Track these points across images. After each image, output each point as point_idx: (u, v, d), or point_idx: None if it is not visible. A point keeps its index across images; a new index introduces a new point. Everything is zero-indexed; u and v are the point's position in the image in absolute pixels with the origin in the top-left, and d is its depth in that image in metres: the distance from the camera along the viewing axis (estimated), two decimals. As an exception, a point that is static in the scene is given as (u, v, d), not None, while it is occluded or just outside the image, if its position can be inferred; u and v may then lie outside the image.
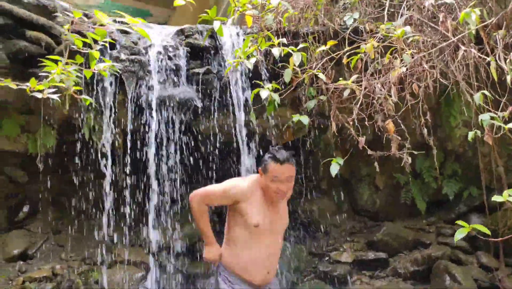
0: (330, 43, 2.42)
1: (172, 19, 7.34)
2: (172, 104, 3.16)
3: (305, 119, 2.35)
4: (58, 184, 3.50)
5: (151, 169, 3.15)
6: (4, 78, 2.33)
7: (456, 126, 3.46)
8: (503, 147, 3.46)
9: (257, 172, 2.09)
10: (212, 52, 3.28)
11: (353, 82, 2.44)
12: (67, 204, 3.58)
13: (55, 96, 1.49)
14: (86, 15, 3.12)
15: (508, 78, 2.10)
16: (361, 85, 2.53)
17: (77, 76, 1.62)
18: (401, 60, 2.30)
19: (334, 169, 2.38)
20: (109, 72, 2.00)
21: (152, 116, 3.12)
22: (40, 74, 1.59)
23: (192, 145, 3.41)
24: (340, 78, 2.60)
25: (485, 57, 2.28)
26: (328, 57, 2.69)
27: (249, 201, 2.04)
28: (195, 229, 3.16)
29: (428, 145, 2.96)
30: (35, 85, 1.43)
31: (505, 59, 2.29)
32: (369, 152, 2.55)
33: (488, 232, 1.73)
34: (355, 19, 2.71)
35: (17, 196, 3.52)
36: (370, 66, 2.63)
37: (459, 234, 1.75)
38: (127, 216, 3.31)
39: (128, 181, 3.22)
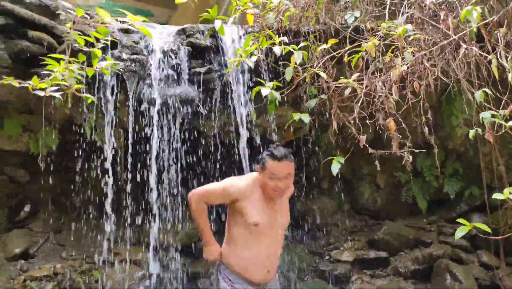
0: (331, 41, 2.42)
1: (172, 19, 7.34)
2: (173, 104, 3.16)
3: (306, 118, 2.35)
4: (59, 184, 3.51)
5: (152, 168, 3.15)
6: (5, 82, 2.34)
7: (457, 125, 3.46)
8: (504, 146, 3.46)
9: (257, 170, 2.09)
10: (213, 51, 3.29)
11: (354, 80, 2.44)
12: (68, 204, 3.59)
13: (57, 94, 1.50)
14: (87, 15, 3.13)
15: (509, 76, 2.10)
16: (362, 83, 2.53)
17: (79, 74, 1.63)
18: (402, 58, 2.30)
19: (335, 168, 2.38)
20: (111, 71, 2.01)
21: (153, 116, 3.12)
22: (42, 72, 1.60)
23: (193, 144, 3.42)
24: (341, 77, 2.60)
25: (486, 55, 2.28)
26: (329, 55, 2.69)
27: (249, 199, 2.03)
28: (195, 228, 3.16)
29: (429, 143, 2.96)
30: (37, 83, 1.44)
31: (506, 57, 2.29)
32: (370, 150, 2.55)
33: (488, 229, 1.73)
34: (356, 18, 2.71)
35: (18, 195, 3.53)
36: (371, 64, 2.63)
37: (460, 232, 1.76)
38: (128, 215, 3.32)
39: (129, 180, 3.22)
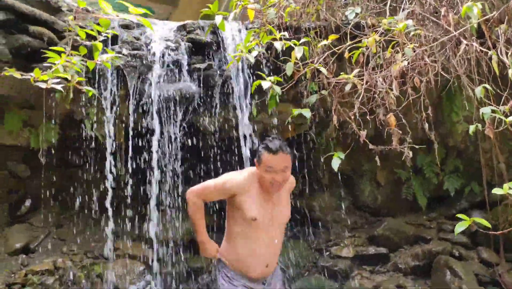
0: (332, 37, 2.42)
1: (173, 17, 7.34)
2: (173, 99, 3.16)
3: (307, 113, 2.35)
4: (59, 179, 3.52)
5: (153, 163, 3.16)
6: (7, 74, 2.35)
7: (458, 122, 3.46)
8: (504, 143, 3.47)
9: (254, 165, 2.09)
10: (214, 47, 3.29)
11: (354, 76, 2.45)
12: (68, 199, 3.60)
13: (58, 87, 1.50)
14: (87, 11, 3.14)
15: (510, 72, 2.11)
16: (362, 79, 2.53)
17: (80, 67, 1.63)
18: (403, 54, 2.31)
19: (336, 163, 2.38)
20: (111, 66, 2.01)
21: (153, 112, 3.13)
22: (43, 66, 1.61)
23: (193, 139, 3.42)
24: (342, 73, 2.60)
25: (487, 50, 2.28)
26: (330, 51, 2.69)
27: (247, 194, 2.02)
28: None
29: (429, 140, 2.96)
30: (39, 75, 1.44)
31: (506, 54, 2.29)
32: (370, 146, 2.55)
33: (488, 224, 1.74)
34: (356, 14, 2.71)
35: (19, 190, 3.54)
36: (371, 60, 2.63)
37: (460, 227, 1.76)
38: (129, 210, 3.33)
39: (130, 175, 3.23)
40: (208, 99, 3.29)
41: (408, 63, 2.41)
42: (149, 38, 3.23)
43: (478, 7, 2.08)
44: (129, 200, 3.28)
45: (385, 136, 2.76)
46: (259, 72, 2.62)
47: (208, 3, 2.39)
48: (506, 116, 1.94)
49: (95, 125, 3.16)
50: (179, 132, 3.23)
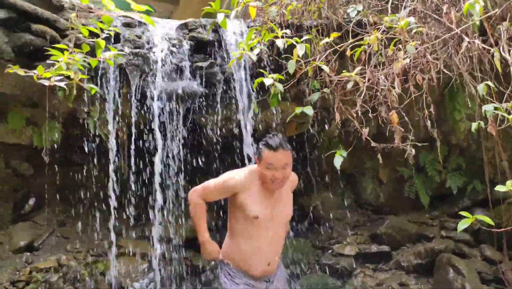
0: (334, 35, 2.42)
1: (174, 15, 7.36)
2: (176, 98, 3.17)
3: (309, 111, 2.36)
4: (63, 177, 3.54)
5: (155, 161, 3.17)
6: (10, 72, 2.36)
7: (460, 120, 3.46)
8: (507, 141, 3.45)
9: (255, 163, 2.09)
10: (215, 46, 3.29)
11: (356, 74, 2.45)
12: (72, 197, 3.62)
13: (62, 84, 1.51)
14: (90, 9, 3.15)
15: (512, 69, 2.10)
16: (364, 77, 2.53)
17: (82, 65, 1.64)
18: (405, 51, 2.30)
19: (338, 161, 2.39)
20: (113, 61, 2.02)
21: (155, 110, 3.13)
22: (47, 62, 1.62)
23: (196, 138, 3.43)
24: (344, 71, 2.60)
25: (489, 48, 2.28)
26: (332, 49, 2.69)
27: (248, 192, 2.03)
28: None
29: (432, 138, 2.96)
30: (42, 72, 1.45)
31: (509, 51, 2.28)
32: (373, 143, 2.56)
33: (491, 222, 1.74)
34: (358, 12, 2.71)
35: (22, 188, 3.56)
36: (373, 58, 2.63)
37: (462, 225, 1.76)
38: (132, 209, 3.34)
39: (133, 174, 3.24)
40: (210, 98, 3.30)
41: (410, 60, 2.40)
42: (151, 36, 3.23)
43: (480, 4, 2.08)
44: (132, 198, 3.30)
45: (387, 134, 2.76)
46: (261, 70, 2.63)
47: (209, 1, 2.39)
48: (509, 113, 1.94)
49: (98, 124, 3.17)
50: (182, 130, 3.24)
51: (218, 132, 3.39)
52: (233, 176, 2.10)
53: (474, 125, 2.08)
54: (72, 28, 2.56)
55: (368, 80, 2.54)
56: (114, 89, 3.06)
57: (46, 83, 1.51)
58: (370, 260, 3.58)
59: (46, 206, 3.61)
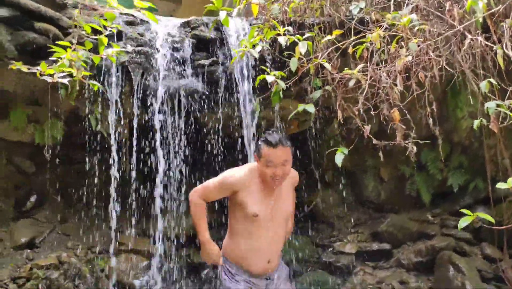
0: (336, 32, 2.42)
1: (176, 14, 7.34)
2: (178, 96, 3.17)
3: (311, 108, 2.36)
4: (64, 175, 3.55)
5: (157, 159, 3.17)
6: (12, 70, 2.36)
7: (462, 118, 3.45)
8: (509, 139, 3.44)
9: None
10: (218, 44, 3.29)
11: (358, 71, 2.45)
12: (73, 194, 3.63)
13: (64, 81, 1.52)
14: (93, 7, 3.15)
15: (515, 67, 2.10)
16: (366, 74, 2.53)
17: (85, 62, 1.64)
18: (407, 49, 2.30)
19: (339, 158, 2.39)
20: (116, 59, 2.01)
21: (157, 108, 3.14)
22: (50, 59, 1.62)
23: (197, 136, 3.44)
24: (346, 68, 2.60)
25: (492, 45, 2.28)
26: (334, 47, 2.69)
27: (248, 190, 2.03)
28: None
29: (434, 136, 2.96)
30: (45, 69, 1.46)
31: (512, 48, 2.28)
32: (374, 141, 2.56)
33: (491, 219, 1.74)
34: (361, 9, 2.70)
35: (24, 186, 3.57)
36: (375, 55, 2.63)
37: (463, 222, 1.77)
38: (133, 206, 3.35)
39: (134, 171, 3.25)
40: (212, 96, 3.30)
41: (413, 58, 2.40)
42: (154, 34, 3.23)
43: (483, 1, 2.08)
44: (133, 195, 3.30)
45: (389, 132, 2.76)
46: (263, 67, 2.62)
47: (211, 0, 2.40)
48: (511, 111, 1.94)
49: (99, 121, 3.17)
50: (183, 128, 3.25)
51: (220, 130, 3.39)
52: (232, 174, 2.10)
53: (476, 123, 2.09)
54: (75, 26, 2.56)
55: (370, 77, 2.53)
56: (116, 87, 3.07)
57: (49, 79, 1.52)
58: (370, 258, 3.58)
59: (47, 203, 3.63)
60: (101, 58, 1.76)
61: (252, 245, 2.07)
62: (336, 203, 3.96)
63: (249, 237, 2.07)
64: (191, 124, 3.35)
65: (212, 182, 2.13)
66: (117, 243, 3.32)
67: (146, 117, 3.19)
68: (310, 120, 3.42)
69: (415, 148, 2.51)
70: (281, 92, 2.45)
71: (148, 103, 3.15)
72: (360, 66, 2.47)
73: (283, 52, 2.84)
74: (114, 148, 3.12)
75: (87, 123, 3.16)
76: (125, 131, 3.27)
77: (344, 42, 2.64)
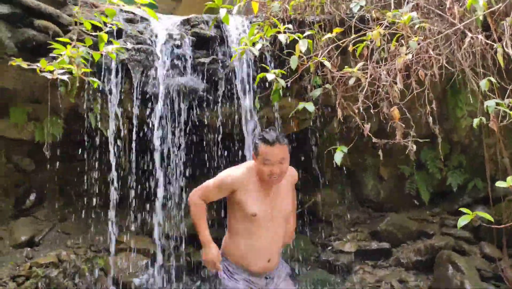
0: (336, 30, 2.42)
1: (176, 12, 7.34)
2: (177, 94, 3.17)
3: (311, 107, 2.36)
4: (64, 173, 3.54)
5: (157, 157, 3.17)
6: (12, 67, 2.35)
7: (462, 117, 3.45)
8: (509, 138, 3.45)
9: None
10: (218, 41, 3.29)
11: (358, 70, 2.44)
12: (73, 193, 3.63)
13: (64, 77, 1.51)
14: (93, 4, 3.15)
15: (515, 65, 2.10)
16: (366, 73, 2.53)
17: (85, 59, 1.64)
18: (407, 47, 2.30)
19: (338, 157, 2.39)
20: (117, 57, 2.01)
21: (157, 106, 3.13)
22: (50, 55, 1.62)
23: (197, 134, 3.43)
24: (346, 67, 2.60)
25: (492, 43, 2.27)
26: (334, 45, 2.69)
27: (245, 189, 2.02)
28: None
29: (433, 135, 2.95)
30: (45, 65, 1.45)
31: (512, 47, 2.28)
32: (374, 139, 2.56)
33: (491, 218, 1.74)
34: (361, 7, 2.70)
35: (24, 184, 3.57)
36: (375, 52, 2.62)
37: (463, 221, 1.77)
38: (133, 204, 3.35)
39: (134, 170, 3.24)
40: (212, 94, 3.29)
41: (413, 56, 2.40)
42: (154, 32, 3.23)
43: (484, -1, 2.08)
44: (132, 194, 3.30)
45: (389, 130, 2.76)
46: (263, 65, 2.62)
47: (211, -1, 2.39)
48: (511, 109, 1.94)
49: (99, 119, 3.17)
50: (183, 126, 3.24)
51: (219, 128, 3.39)
52: (230, 174, 2.09)
53: (475, 121, 2.09)
54: (76, 23, 2.56)
55: (370, 76, 2.53)
56: (116, 85, 3.06)
57: (49, 76, 1.51)
58: (370, 257, 3.58)
59: (47, 201, 3.62)
60: (101, 55, 1.76)
61: (252, 244, 2.07)
62: (336, 202, 3.96)
63: (248, 236, 2.07)
64: (191, 122, 3.35)
65: (211, 182, 2.12)
66: (116, 241, 3.32)
67: (146, 115, 3.19)
68: (310, 118, 3.42)
69: (414, 147, 2.51)
70: (281, 91, 2.45)
71: (148, 101, 3.15)
72: (360, 65, 2.47)
73: (283, 50, 2.84)
74: (113, 146, 3.12)
75: (86, 121, 3.16)
76: (125, 129, 3.27)
77: (344, 40, 2.64)
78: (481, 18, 2.22)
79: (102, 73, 2.99)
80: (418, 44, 2.34)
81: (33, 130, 3.27)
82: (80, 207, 3.58)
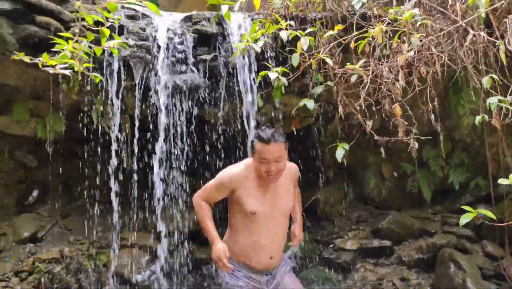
0: (338, 27, 2.41)
1: (178, 10, 7.34)
2: (179, 91, 3.17)
3: (311, 104, 2.36)
4: (66, 169, 3.56)
5: (158, 154, 3.17)
6: (14, 64, 2.37)
7: (464, 115, 3.44)
8: (511, 136, 3.43)
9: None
10: (219, 38, 3.28)
11: (360, 67, 2.44)
12: (75, 189, 3.64)
13: (66, 72, 1.52)
14: (94, 2, 3.15)
15: (518, 62, 2.09)
16: (368, 70, 2.52)
17: (87, 55, 1.65)
18: (409, 44, 2.29)
19: (340, 154, 2.39)
20: (117, 53, 2.02)
21: (159, 103, 3.14)
22: (52, 50, 1.63)
23: (199, 131, 3.44)
24: (348, 64, 2.59)
25: (495, 40, 2.26)
26: (336, 42, 2.68)
27: (245, 187, 2.02)
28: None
29: (435, 133, 2.95)
30: (47, 60, 1.46)
31: (514, 44, 2.27)
32: (376, 137, 2.55)
33: (493, 216, 1.74)
34: (363, 4, 2.69)
35: (26, 180, 3.59)
36: (377, 50, 2.62)
37: (465, 219, 1.77)
38: (135, 201, 3.36)
39: (136, 166, 3.25)
40: (214, 91, 3.29)
41: (415, 53, 2.39)
42: (155, 28, 3.23)
43: (486, -4, 2.06)
44: (135, 190, 3.31)
45: (391, 128, 2.75)
46: (265, 63, 2.62)
47: (213, -5, 2.39)
48: (513, 106, 1.93)
49: (101, 116, 3.18)
50: (185, 123, 3.25)
51: (221, 125, 3.39)
52: (228, 173, 2.10)
53: (478, 118, 2.08)
54: (77, 19, 2.56)
55: (372, 73, 2.53)
56: (118, 82, 3.07)
57: (51, 71, 1.52)
58: (371, 255, 3.58)
59: (49, 197, 3.64)
60: (103, 51, 1.76)
61: (252, 242, 2.07)
62: (338, 200, 3.96)
63: (249, 234, 2.07)
64: (193, 119, 3.35)
65: (211, 182, 2.14)
66: (119, 238, 3.33)
67: (148, 112, 3.19)
68: (312, 116, 3.42)
69: (416, 144, 2.50)
70: (282, 88, 2.45)
71: (150, 98, 3.16)
72: (362, 62, 2.46)
73: (285, 47, 2.83)
74: (115, 142, 3.13)
75: (89, 118, 3.17)
76: (127, 125, 3.28)
77: (346, 37, 2.64)
78: (483, 15, 2.21)
79: (104, 70, 3.00)
80: (420, 41, 2.34)
81: (35, 126, 3.28)
82: (83, 203, 3.60)
